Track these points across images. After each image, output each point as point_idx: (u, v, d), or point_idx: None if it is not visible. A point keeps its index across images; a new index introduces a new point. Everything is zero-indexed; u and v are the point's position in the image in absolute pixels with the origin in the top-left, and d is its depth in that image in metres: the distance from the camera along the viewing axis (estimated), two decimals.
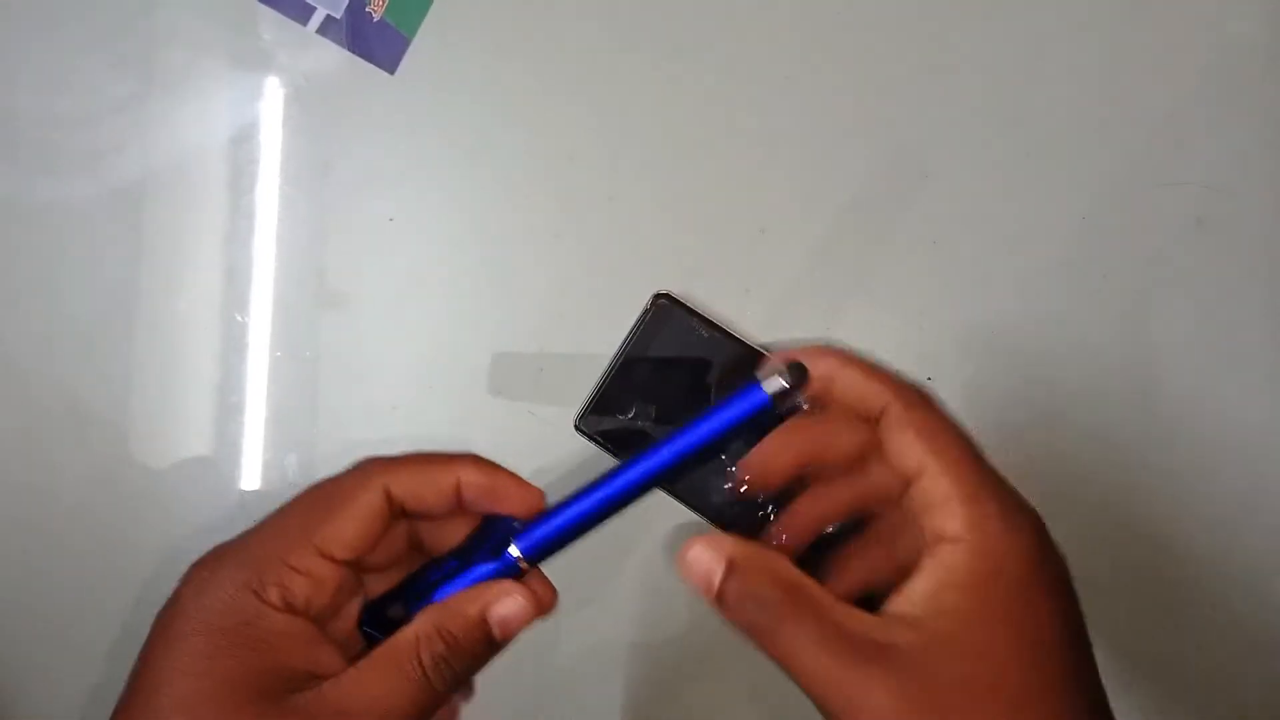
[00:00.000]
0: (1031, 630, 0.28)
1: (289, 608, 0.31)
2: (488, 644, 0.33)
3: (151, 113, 0.45)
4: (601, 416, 0.44)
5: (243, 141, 0.45)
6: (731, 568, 0.31)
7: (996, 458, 0.32)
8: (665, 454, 0.34)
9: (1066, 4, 0.44)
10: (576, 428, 0.44)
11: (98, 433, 0.45)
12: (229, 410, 0.45)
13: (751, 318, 0.44)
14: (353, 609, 0.35)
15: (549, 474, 0.45)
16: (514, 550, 0.34)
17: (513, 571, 0.35)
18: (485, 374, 0.45)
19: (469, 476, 0.35)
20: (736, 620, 0.31)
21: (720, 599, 0.31)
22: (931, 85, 0.45)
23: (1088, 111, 0.45)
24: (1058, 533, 0.31)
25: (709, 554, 0.31)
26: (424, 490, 0.34)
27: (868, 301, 0.45)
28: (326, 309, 0.45)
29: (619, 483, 0.34)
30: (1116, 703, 0.30)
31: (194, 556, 0.44)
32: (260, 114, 0.45)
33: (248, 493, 0.45)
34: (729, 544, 0.31)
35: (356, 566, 0.34)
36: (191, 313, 0.45)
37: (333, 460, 0.44)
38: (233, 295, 0.45)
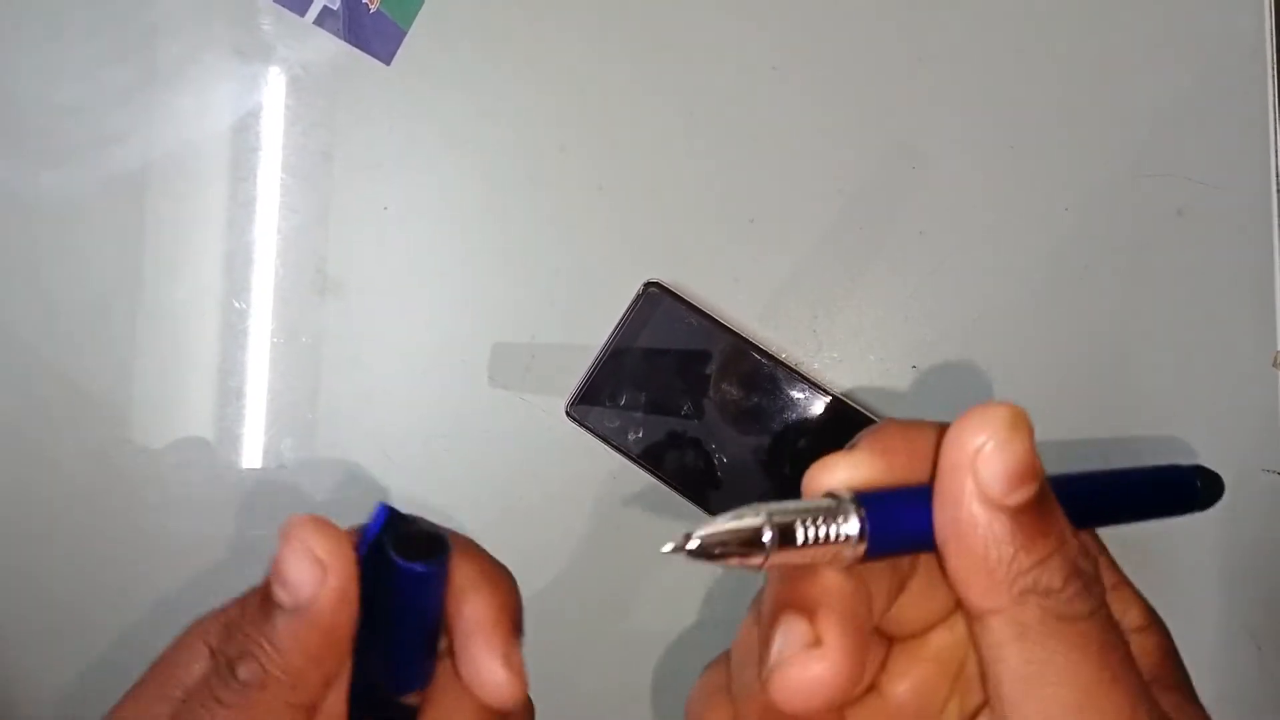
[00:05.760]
0: None
1: None
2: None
3: (152, 102, 0.45)
4: (592, 403, 0.44)
5: (242, 131, 0.46)
6: None
7: None
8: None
9: None
10: (568, 414, 0.45)
11: (100, 416, 0.46)
12: (228, 394, 0.46)
13: (740, 306, 0.45)
14: None
15: (540, 460, 0.46)
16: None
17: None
18: (479, 360, 0.46)
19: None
20: None
21: None
22: (918, 77, 0.45)
23: (1071, 104, 0.45)
24: None
25: None
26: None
27: (855, 291, 0.45)
28: (324, 296, 0.46)
29: None
30: None
31: (192, 537, 0.46)
32: (259, 104, 0.46)
33: (246, 473, 0.46)
34: None
35: None
36: (192, 299, 0.46)
37: (330, 443, 0.46)
38: (232, 282, 0.46)
